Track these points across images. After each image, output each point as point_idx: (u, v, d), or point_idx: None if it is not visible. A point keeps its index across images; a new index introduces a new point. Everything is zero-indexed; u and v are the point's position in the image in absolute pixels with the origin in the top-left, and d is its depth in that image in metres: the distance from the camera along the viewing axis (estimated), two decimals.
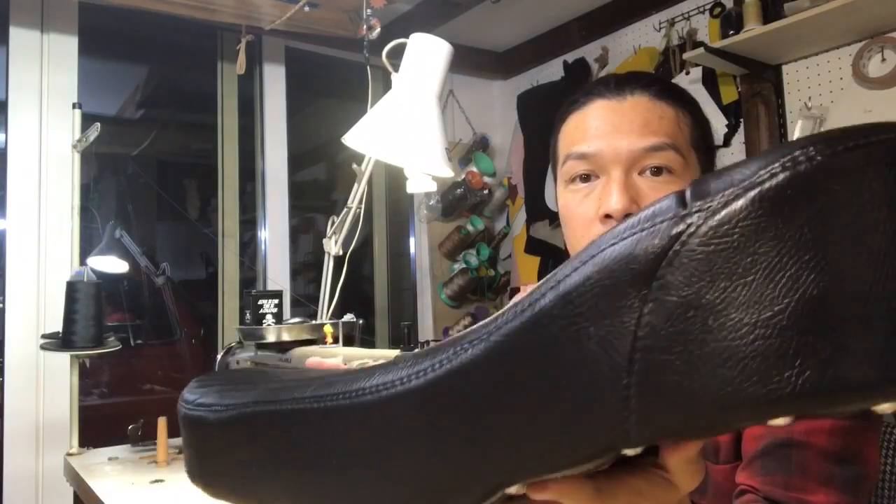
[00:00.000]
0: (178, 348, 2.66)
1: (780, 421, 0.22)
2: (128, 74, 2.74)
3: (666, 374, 0.23)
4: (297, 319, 1.45)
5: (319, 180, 3.16)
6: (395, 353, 0.94)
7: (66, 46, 2.10)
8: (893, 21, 1.69)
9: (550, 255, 2.56)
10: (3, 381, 1.94)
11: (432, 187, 1.34)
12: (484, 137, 2.86)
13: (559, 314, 0.24)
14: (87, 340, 1.62)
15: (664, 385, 0.23)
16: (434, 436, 0.27)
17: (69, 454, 1.67)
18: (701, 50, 1.88)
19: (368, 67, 1.47)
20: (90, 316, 1.63)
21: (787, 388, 0.21)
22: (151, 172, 2.76)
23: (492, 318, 0.27)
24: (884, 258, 0.20)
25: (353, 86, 2.26)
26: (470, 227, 2.77)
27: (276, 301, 1.43)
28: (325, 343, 1.29)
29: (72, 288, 1.63)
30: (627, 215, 0.63)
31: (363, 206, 1.48)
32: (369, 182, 1.49)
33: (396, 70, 1.18)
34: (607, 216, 0.64)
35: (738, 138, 2.07)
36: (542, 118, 2.50)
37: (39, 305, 1.99)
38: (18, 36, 2.04)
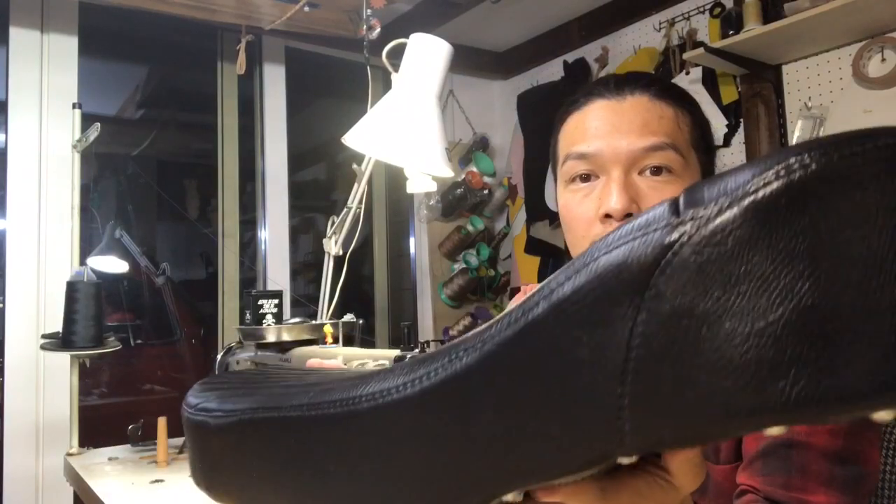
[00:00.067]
0: (178, 348, 2.66)
1: (776, 430, 0.22)
2: (128, 74, 2.74)
3: (659, 384, 0.23)
4: (297, 319, 1.45)
5: (319, 180, 3.16)
6: (394, 353, 0.94)
7: (66, 46, 2.10)
8: (893, 21, 1.69)
9: (550, 255, 2.56)
10: (3, 381, 1.94)
11: (432, 187, 1.34)
12: (484, 137, 2.86)
13: (552, 323, 0.24)
14: (87, 340, 1.62)
15: (658, 394, 0.23)
16: (429, 444, 0.27)
17: (69, 454, 1.67)
18: (701, 50, 1.88)
19: (368, 67, 1.47)
20: (90, 316, 1.63)
21: (782, 397, 0.21)
22: (151, 172, 2.76)
23: (486, 325, 0.27)
24: (881, 268, 0.20)
25: (353, 86, 2.26)
26: (470, 227, 2.77)
27: (276, 301, 1.44)
28: (325, 343, 1.29)
29: (72, 288, 1.63)
30: (628, 215, 0.63)
31: (363, 206, 1.48)
32: (369, 182, 1.49)
33: (396, 70, 1.18)
34: (607, 216, 0.64)
35: (738, 138, 2.07)
36: (542, 118, 2.50)
37: (39, 305, 1.99)
38: (18, 36, 2.05)
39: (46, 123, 2.05)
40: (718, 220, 0.22)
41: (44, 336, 1.70)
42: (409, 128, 1.11)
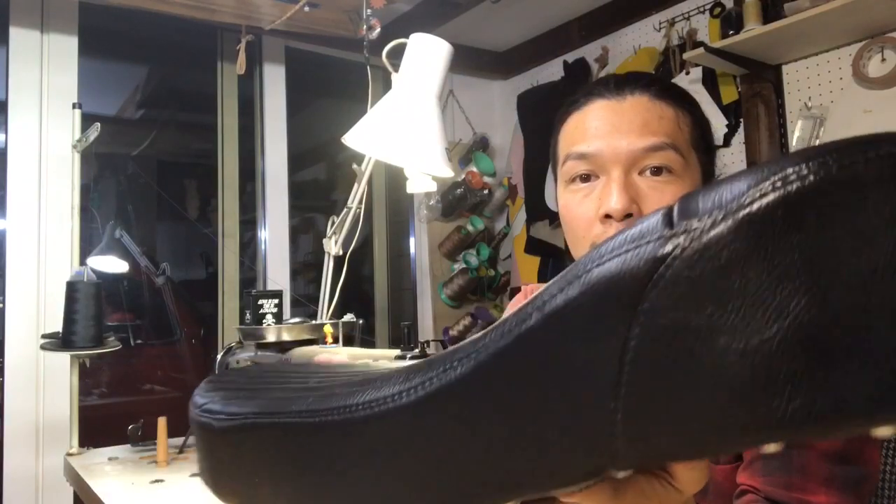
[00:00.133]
0: (178, 348, 2.66)
1: (771, 447, 0.22)
2: (128, 74, 2.74)
3: (653, 399, 0.22)
4: (297, 319, 1.45)
5: (319, 180, 3.16)
6: (394, 353, 0.94)
7: (66, 46, 2.10)
8: (893, 21, 1.69)
9: (550, 255, 2.56)
10: (3, 381, 1.94)
11: (432, 187, 1.34)
12: (484, 137, 2.86)
13: (545, 336, 0.24)
14: (87, 340, 1.62)
15: (652, 410, 0.22)
16: (424, 454, 0.27)
17: (69, 454, 1.67)
18: (701, 50, 1.88)
19: (368, 67, 1.47)
20: (90, 316, 1.63)
21: (776, 415, 0.20)
22: (151, 172, 2.76)
23: (481, 334, 0.27)
24: (883, 283, 0.20)
25: (353, 86, 2.26)
26: (470, 227, 2.77)
27: (276, 301, 1.44)
28: (325, 343, 1.29)
29: (72, 288, 1.63)
30: (628, 215, 0.63)
31: (363, 206, 1.48)
32: (369, 182, 1.49)
33: (396, 70, 1.18)
34: (607, 216, 0.64)
35: (738, 138, 2.07)
36: (542, 118, 2.50)
37: (39, 305, 1.99)
38: (18, 36, 2.04)
39: (46, 123, 2.05)
40: (712, 234, 0.21)
41: (44, 336, 1.70)
42: (409, 128, 1.11)
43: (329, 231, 1.53)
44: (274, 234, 2.47)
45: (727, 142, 2.09)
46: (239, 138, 2.48)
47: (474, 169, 2.72)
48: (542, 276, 2.62)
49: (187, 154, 2.99)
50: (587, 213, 0.67)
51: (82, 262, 1.76)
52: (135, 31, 2.44)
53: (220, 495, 0.34)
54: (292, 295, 2.45)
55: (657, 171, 0.65)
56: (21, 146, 2.02)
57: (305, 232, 2.91)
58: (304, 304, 2.37)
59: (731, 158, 2.08)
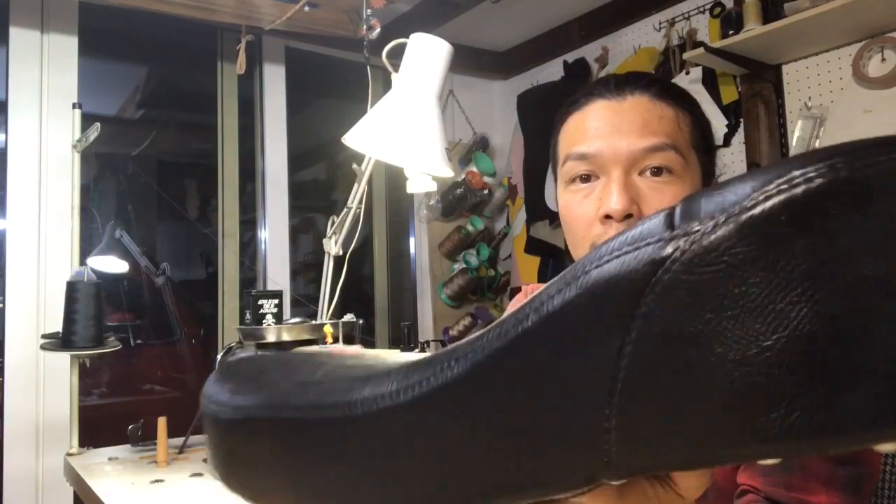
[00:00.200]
0: (178, 348, 2.66)
1: (769, 461, 0.21)
2: (128, 74, 2.74)
3: (647, 407, 0.22)
4: (297, 319, 1.45)
5: (319, 180, 3.16)
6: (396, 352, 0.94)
7: (66, 46, 2.10)
8: (893, 21, 1.69)
9: (550, 255, 2.56)
10: (3, 381, 1.94)
11: (432, 187, 1.34)
12: (484, 137, 2.86)
13: (541, 338, 0.24)
14: (87, 340, 1.62)
15: (645, 418, 0.22)
16: (419, 453, 0.27)
17: (69, 454, 1.67)
18: (701, 50, 1.88)
19: (368, 67, 1.47)
20: (90, 316, 1.63)
21: (772, 430, 0.20)
22: (151, 172, 2.76)
23: (479, 334, 0.26)
24: (888, 293, 0.19)
25: (353, 86, 2.26)
26: (470, 227, 2.77)
27: (276, 301, 1.44)
28: (325, 343, 1.29)
29: (72, 288, 1.63)
30: (628, 216, 0.63)
31: (363, 206, 1.48)
32: (369, 182, 1.49)
33: (396, 70, 1.18)
34: (607, 217, 0.64)
35: (738, 138, 2.07)
36: (541, 118, 2.50)
37: (39, 305, 1.99)
38: (18, 36, 2.04)
39: (46, 123, 2.05)
40: (713, 237, 0.20)
41: (44, 336, 1.70)
42: (409, 128, 1.11)
43: (329, 231, 1.53)
44: (274, 234, 2.47)
45: (727, 142, 2.09)
46: (239, 138, 2.48)
47: (474, 169, 2.72)
48: (542, 276, 2.62)
49: (187, 154, 2.99)
50: (587, 213, 0.66)
51: (82, 262, 1.76)
52: (135, 31, 2.44)
53: (229, 485, 0.34)
54: (292, 295, 2.45)
55: (657, 171, 0.65)
56: (21, 146, 2.01)
57: (305, 232, 2.91)
58: (304, 304, 2.37)
59: (731, 158, 2.08)
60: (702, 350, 0.21)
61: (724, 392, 0.20)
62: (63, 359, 1.83)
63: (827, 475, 0.58)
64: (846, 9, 1.61)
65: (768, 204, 0.20)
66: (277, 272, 2.45)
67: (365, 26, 1.68)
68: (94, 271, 1.71)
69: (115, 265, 1.84)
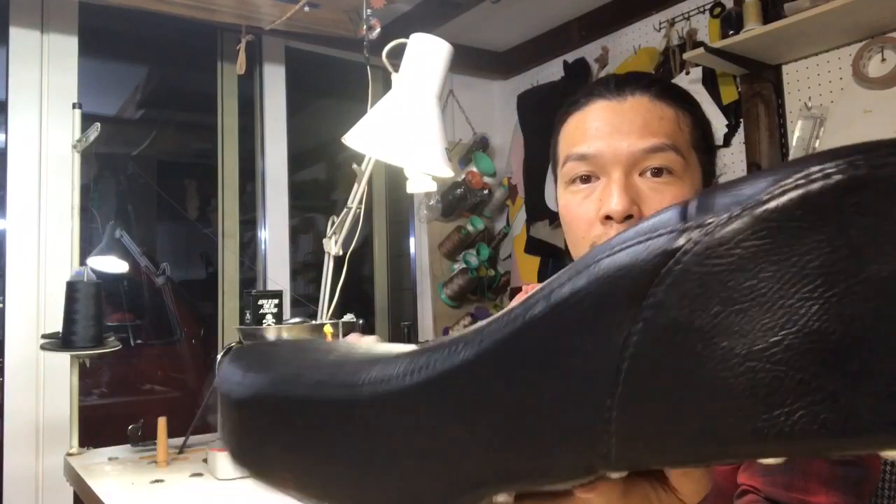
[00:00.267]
0: (178, 348, 2.66)
1: (771, 460, 0.21)
2: (128, 74, 2.74)
3: (649, 399, 0.22)
4: (297, 319, 1.45)
5: (319, 180, 3.16)
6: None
7: (66, 46, 2.10)
8: (893, 21, 1.69)
9: (550, 255, 2.56)
10: (3, 381, 1.94)
11: (432, 187, 1.34)
12: (484, 137, 2.86)
13: (548, 325, 0.24)
14: (87, 340, 1.62)
15: (647, 411, 0.22)
16: (422, 435, 0.27)
17: (69, 454, 1.67)
18: (701, 50, 1.88)
19: (368, 67, 1.47)
20: (90, 316, 1.63)
21: (775, 428, 0.19)
22: (151, 172, 2.76)
23: (487, 321, 0.27)
24: None
25: (353, 86, 2.26)
26: (470, 227, 2.77)
27: (276, 301, 1.44)
28: None
29: (72, 288, 1.63)
30: (628, 217, 0.63)
31: (363, 206, 1.48)
32: (369, 182, 1.49)
33: (396, 70, 1.18)
34: (608, 217, 0.64)
35: (738, 138, 2.07)
36: (542, 118, 2.50)
37: (39, 305, 1.99)
38: (18, 36, 2.04)
39: (46, 123, 2.05)
40: (727, 229, 0.20)
41: (44, 336, 1.70)
42: (409, 128, 1.11)
43: (329, 231, 1.53)
44: (274, 234, 2.47)
45: (727, 142, 2.09)
46: (239, 138, 2.48)
47: (474, 169, 2.72)
48: (542, 276, 2.62)
49: (187, 154, 2.99)
50: (587, 214, 0.66)
51: (82, 262, 1.76)
52: (135, 31, 2.44)
53: (238, 461, 0.34)
54: (292, 295, 2.45)
55: (657, 172, 0.65)
56: (21, 146, 2.01)
57: (305, 232, 2.91)
58: (304, 304, 2.37)
59: (731, 158, 2.08)
60: (708, 343, 0.20)
61: (729, 386, 0.20)
62: (63, 359, 1.83)
63: (827, 475, 0.58)
64: (846, 9, 1.61)
65: (784, 198, 0.19)
66: (277, 272, 2.45)
67: (365, 26, 1.68)
68: (94, 271, 1.71)
69: (115, 265, 1.84)
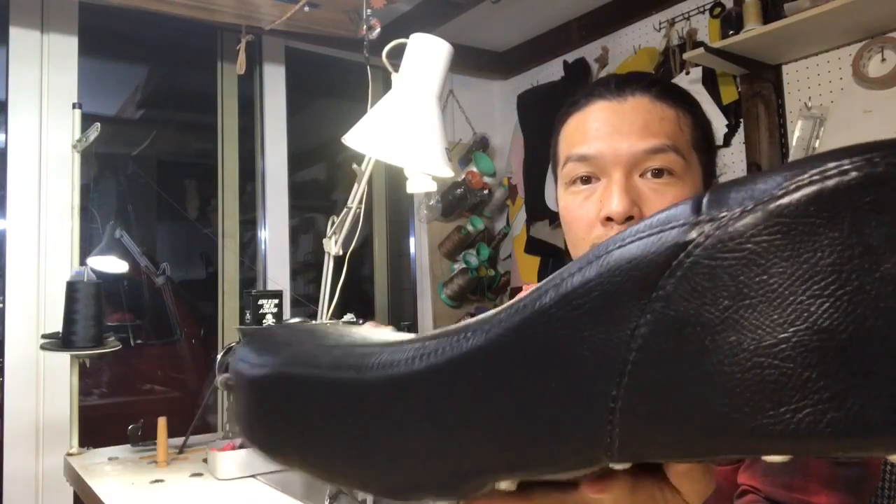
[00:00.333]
0: (178, 348, 2.66)
1: (775, 458, 0.21)
2: (128, 74, 2.74)
3: (654, 392, 0.21)
4: (297, 319, 1.45)
5: (319, 180, 3.16)
6: None
7: (66, 46, 2.10)
8: (893, 21, 1.69)
9: (550, 255, 2.56)
10: (3, 381, 1.94)
11: (432, 187, 1.34)
12: (484, 137, 2.86)
13: (557, 315, 0.24)
14: (87, 340, 1.62)
15: (651, 403, 0.22)
16: (428, 420, 0.27)
17: (69, 454, 1.67)
18: (701, 50, 1.88)
19: (368, 67, 1.47)
20: (90, 316, 1.63)
21: (780, 425, 0.19)
22: (151, 172, 2.76)
23: (497, 310, 0.27)
24: None
25: (353, 86, 2.26)
26: (470, 227, 2.77)
27: (276, 301, 1.44)
28: None
29: (72, 288, 1.63)
30: (629, 218, 0.63)
31: (363, 206, 1.48)
32: (369, 182, 1.49)
33: (396, 70, 1.18)
34: (608, 219, 0.64)
35: (738, 138, 2.07)
36: (542, 118, 2.50)
37: (39, 305, 1.99)
38: (18, 36, 2.04)
39: (46, 123, 2.05)
40: (739, 224, 0.20)
41: (44, 336, 1.70)
42: (409, 128, 1.11)
43: (329, 231, 1.53)
44: (274, 234, 2.47)
45: (727, 142, 2.09)
46: (239, 138, 2.48)
47: (474, 169, 2.72)
48: (542, 276, 2.60)
49: (187, 154, 2.99)
50: (588, 215, 0.66)
51: (82, 262, 1.76)
52: (135, 31, 2.44)
53: (251, 442, 0.35)
54: (292, 295, 2.45)
55: (658, 173, 0.65)
56: (21, 146, 2.01)
57: (305, 232, 2.91)
58: (304, 304, 2.37)
59: (731, 158, 2.08)
60: (716, 337, 0.20)
61: (735, 382, 0.20)
62: (63, 359, 1.83)
63: (827, 475, 0.58)
64: (846, 9, 1.61)
65: (798, 194, 0.19)
66: (277, 272, 2.45)
67: (365, 26, 1.68)
68: (94, 271, 1.71)
69: (115, 265, 1.84)
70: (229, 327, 2.39)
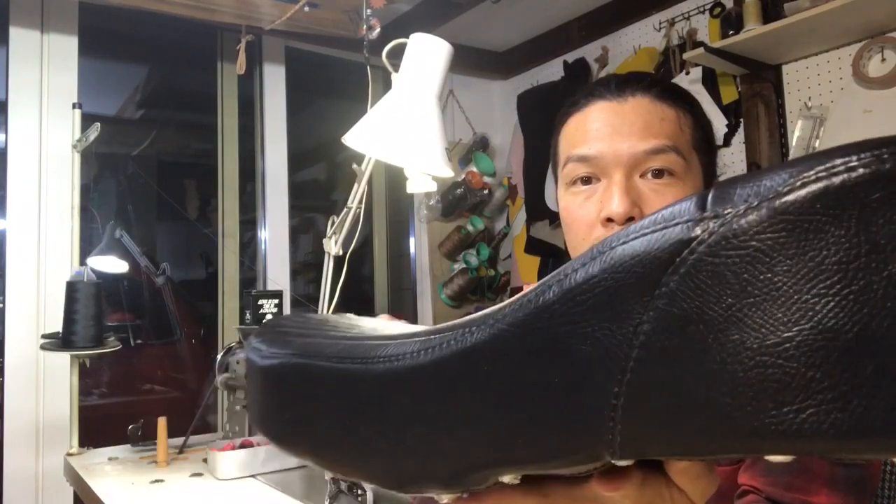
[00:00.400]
0: (178, 348, 2.66)
1: (778, 458, 0.21)
2: (128, 74, 2.74)
3: (656, 389, 0.21)
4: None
5: (319, 180, 3.16)
6: None
7: (66, 46, 2.10)
8: (893, 21, 1.69)
9: (550, 255, 2.56)
10: (3, 381, 1.94)
11: (432, 187, 1.34)
12: (484, 137, 2.86)
13: (560, 310, 0.24)
14: (87, 340, 1.62)
15: (653, 400, 0.22)
16: (431, 413, 0.27)
17: (69, 454, 1.67)
18: (701, 50, 1.88)
19: (368, 67, 1.47)
20: (90, 316, 1.63)
21: (783, 425, 0.19)
22: (151, 172, 2.76)
23: (501, 305, 0.27)
24: None
25: (353, 86, 2.26)
26: (470, 227, 2.77)
27: (276, 301, 1.44)
28: None
29: (72, 288, 1.63)
30: (629, 219, 0.63)
31: (363, 206, 1.48)
32: (369, 182, 1.49)
33: (396, 70, 1.18)
34: (609, 220, 0.64)
35: (738, 138, 2.07)
36: (542, 118, 2.50)
37: (39, 305, 1.99)
38: (18, 36, 2.04)
39: (46, 123, 2.05)
40: (744, 221, 0.20)
41: (44, 336, 1.70)
42: (409, 128, 1.11)
43: (329, 231, 1.53)
44: (274, 234, 2.47)
45: (727, 142, 2.09)
46: (239, 138, 2.48)
47: (474, 169, 2.72)
48: (542, 276, 2.59)
49: (187, 154, 2.99)
50: (588, 215, 0.66)
51: (82, 262, 1.76)
52: (135, 31, 2.44)
53: (262, 431, 0.35)
54: (292, 295, 2.45)
55: (658, 173, 0.65)
56: (21, 146, 2.01)
57: (305, 232, 2.91)
58: (304, 304, 2.37)
59: (731, 158, 2.08)
60: (719, 335, 0.20)
61: (738, 380, 0.20)
62: (63, 359, 1.83)
63: (828, 475, 0.58)
64: (846, 9, 1.61)
65: (804, 190, 0.19)
66: (277, 272, 2.45)
67: (365, 26, 1.68)
68: (94, 271, 1.71)
69: (115, 265, 1.84)
70: (229, 327, 2.39)
